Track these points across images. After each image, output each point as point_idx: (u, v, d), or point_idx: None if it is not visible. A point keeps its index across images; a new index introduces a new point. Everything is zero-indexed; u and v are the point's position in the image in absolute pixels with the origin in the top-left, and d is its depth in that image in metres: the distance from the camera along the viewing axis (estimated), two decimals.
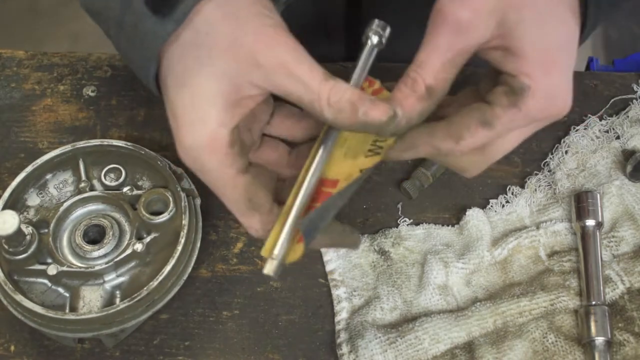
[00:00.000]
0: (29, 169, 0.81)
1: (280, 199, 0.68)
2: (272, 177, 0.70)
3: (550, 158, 0.88)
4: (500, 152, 0.69)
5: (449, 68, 0.64)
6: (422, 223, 0.85)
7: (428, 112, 0.66)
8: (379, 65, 0.93)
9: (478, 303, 0.79)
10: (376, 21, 0.68)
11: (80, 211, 0.81)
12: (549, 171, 0.87)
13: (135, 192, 0.80)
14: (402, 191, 0.86)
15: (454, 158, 0.69)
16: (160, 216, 0.78)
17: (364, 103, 0.63)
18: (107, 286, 0.78)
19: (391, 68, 0.94)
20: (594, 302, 0.78)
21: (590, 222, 0.81)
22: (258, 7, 0.64)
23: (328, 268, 0.83)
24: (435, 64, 0.64)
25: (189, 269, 0.79)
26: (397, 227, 0.85)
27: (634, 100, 0.91)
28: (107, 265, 0.77)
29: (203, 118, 0.63)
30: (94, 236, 0.79)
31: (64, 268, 0.76)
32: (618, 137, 0.89)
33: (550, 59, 0.64)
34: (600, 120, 0.90)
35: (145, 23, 0.65)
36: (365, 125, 0.63)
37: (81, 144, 0.82)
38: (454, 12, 0.63)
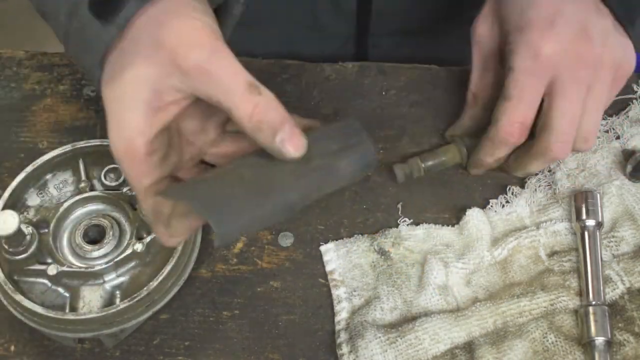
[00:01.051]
0: (29, 169, 0.81)
1: None
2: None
3: None
4: (561, 116, 0.77)
5: (485, 73, 0.84)
6: (422, 223, 0.85)
7: (478, 115, 0.85)
8: (363, 65, 0.93)
9: (478, 303, 0.79)
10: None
11: (80, 211, 0.81)
12: (549, 171, 0.87)
13: None
14: (393, 173, 0.86)
15: (533, 145, 0.80)
16: None
17: (284, 130, 0.62)
18: (107, 286, 0.78)
19: (371, 66, 0.95)
20: (594, 302, 0.78)
21: (590, 222, 0.81)
22: (188, 9, 0.63)
23: (328, 268, 0.83)
24: (474, 74, 0.84)
25: (189, 269, 0.79)
26: (397, 227, 0.85)
27: (634, 100, 0.91)
28: (107, 265, 0.77)
29: (122, 125, 0.64)
30: (94, 236, 0.79)
31: (64, 268, 0.76)
32: (618, 137, 0.89)
33: (526, 22, 0.76)
34: (600, 120, 0.90)
35: (90, 28, 0.65)
36: (280, 154, 0.63)
37: (81, 144, 0.82)
38: (475, 28, 0.83)
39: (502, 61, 0.82)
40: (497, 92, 0.80)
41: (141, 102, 0.63)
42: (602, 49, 0.76)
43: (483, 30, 0.82)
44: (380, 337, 0.77)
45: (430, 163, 0.86)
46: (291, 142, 0.63)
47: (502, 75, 0.79)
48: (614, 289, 0.79)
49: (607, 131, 0.89)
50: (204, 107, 0.67)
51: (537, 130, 0.79)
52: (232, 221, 0.63)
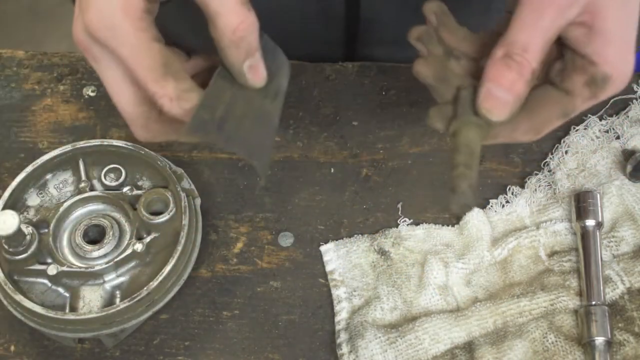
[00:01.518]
0: (29, 169, 0.81)
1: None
2: (183, 57, 0.67)
3: (550, 158, 0.88)
4: (609, 31, 0.63)
5: (547, 48, 0.61)
6: (422, 223, 0.85)
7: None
8: (363, 65, 0.93)
9: (478, 303, 0.79)
10: None
11: (80, 211, 0.81)
12: (549, 171, 0.87)
13: (135, 192, 0.80)
14: (454, 202, 0.63)
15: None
16: (160, 216, 0.78)
17: (254, 57, 0.62)
18: (107, 286, 0.78)
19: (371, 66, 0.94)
20: (594, 302, 0.78)
21: (590, 222, 0.81)
22: None
23: (328, 268, 0.83)
24: (539, 47, 0.60)
25: (189, 269, 0.79)
26: (397, 227, 0.85)
27: (634, 100, 0.91)
28: (107, 265, 0.77)
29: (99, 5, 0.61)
30: (94, 236, 0.79)
31: (64, 268, 0.76)
32: (618, 137, 0.89)
33: (629, 43, 0.62)
34: (600, 120, 0.90)
35: None
36: (243, 78, 0.63)
37: (81, 144, 0.82)
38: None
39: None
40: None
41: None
42: None
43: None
44: (380, 337, 0.77)
45: (474, 165, 0.64)
46: (257, 71, 0.63)
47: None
48: (614, 289, 0.79)
49: (607, 131, 0.89)
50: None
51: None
52: (267, 160, 0.67)
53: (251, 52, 0.63)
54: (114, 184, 0.81)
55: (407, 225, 0.85)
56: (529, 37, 0.60)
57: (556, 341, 0.77)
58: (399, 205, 0.86)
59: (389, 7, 1.02)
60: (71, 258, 0.78)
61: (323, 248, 0.84)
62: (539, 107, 0.64)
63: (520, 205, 0.85)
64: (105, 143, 0.82)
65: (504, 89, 0.60)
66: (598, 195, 0.82)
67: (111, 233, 0.79)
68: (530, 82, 0.61)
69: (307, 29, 1.07)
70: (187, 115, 0.61)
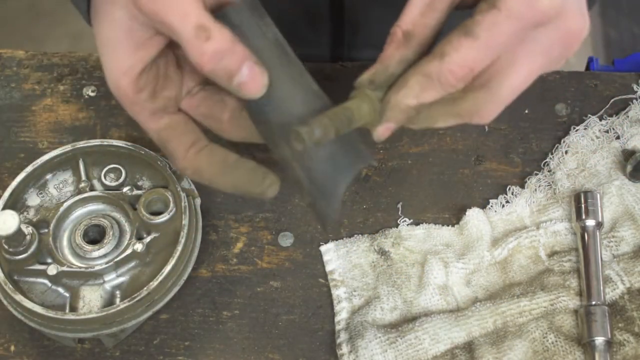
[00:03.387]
0: (29, 169, 0.81)
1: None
2: (194, 130, 0.69)
3: (550, 158, 0.88)
4: (507, 87, 0.63)
5: (428, 12, 0.62)
6: (422, 223, 0.85)
7: (410, 59, 0.63)
8: (363, 65, 0.92)
9: (478, 303, 0.79)
10: None
11: (80, 211, 0.81)
12: (549, 171, 0.87)
13: (135, 192, 0.80)
14: (292, 138, 0.63)
15: (460, 101, 0.64)
16: (160, 216, 0.78)
17: (240, 73, 0.61)
18: (107, 286, 0.78)
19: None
20: (594, 302, 0.78)
21: (590, 222, 0.81)
22: None
23: (328, 268, 0.83)
24: (412, 10, 0.62)
25: (189, 269, 0.79)
26: (397, 227, 0.85)
27: (634, 100, 0.91)
28: (107, 265, 0.77)
29: (108, 67, 0.65)
30: (94, 236, 0.79)
31: (64, 268, 0.76)
32: (618, 137, 0.89)
33: None
34: (600, 120, 0.90)
35: None
36: (241, 96, 0.63)
37: (81, 144, 0.82)
38: None
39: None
40: (436, 37, 0.64)
41: (118, 43, 0.64)
42: (584, 21, 0.63)
43: None
44: (380, 337, 0.77)
45: (341, 118, 0.64)
46: (250, 84, 0.62)
47: (446, 20, 0.64)
48: (614, 289, 0.79)
49: (607, 131, 0.89)
50: None
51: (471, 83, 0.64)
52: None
53: (233, 72, 0.61)
54: (114, 184, 0.81)
55: (407, 225, 0.85)
56: (405, 8, 0.63)
57: (556, 341, 0.77)
58: (399, 205, 0.86)
59: (373, 10, 1.02)
60: (71, 258, 0.78)
61: (323, 248, 0.84)
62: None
63: (520, 205, 0.85)
64: (105, 143, 0.82)
65: (379, 59, 0.63)
66: (598, 195, 0.82)
67: (111, 233, 0.79)
68: (406, 44, 0.63)
69: (293, 32, 1.06)
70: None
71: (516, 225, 0.85)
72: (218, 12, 0.64)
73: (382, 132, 0.65)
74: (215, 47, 0.60)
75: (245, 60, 0.61)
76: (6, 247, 0.75)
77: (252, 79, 0.62)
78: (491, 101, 0.63)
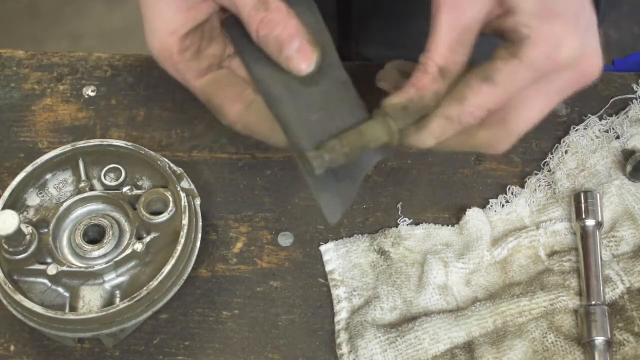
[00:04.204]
0: (29, 169, 0.81)
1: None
2: (239, 83, 0.70)
3: (550, 158, 0.88)
4: (522, 122, 0.65)
5: (457, 48, 0.63)
6: (422, 223, 0.85)
7: (442, 93, 0.64)
8: (365, 65, 0.93)
9: (478, 303, 0.79)
10: None
11: (80, 211, 0.81)
12: (549, 171, 0.87)
13: (135, 192, 0.80)
14: (303, 162, 0.66)
15: (477, 134, 0.66)
16: (160, 216, 0.78)
17: (290, 46, 0.63)
18: (107, 286, 0.78)
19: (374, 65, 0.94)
20: (594, 302, 0.78)
21: (590, 222, 0.81)
22: None
23: (328, 268, 0.83)
24: (442, 46, 0.63)
25: (189, 269, 0.79)
26: (397, 227, 0.85)
27: (634, 100, 0.91)
28: (107, 265, 0.77)
29: (154, 27, 0.67)
30: (94, 236, 0.80)
31: (64, 268, 0.76)
32: (618, 137, 0.89)
33: (550, 10, 0.62)
34: (600, 120, 0.90)
35: None
36: (288, 69, 0.64)
37: (81, 144, 0.82)
38: None
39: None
40: (463, 71, 0.66)
41: (169, 4, 0.66)
42: (600, 62, 0.66)
43: None
44: (380, 337, 0.77)
45: (353, 145, 0.65)
46: (298, 59, 0.64)
47: (471, 55, 0.66)
48: (614, 289, 0.79)
49: (607, 131, 0.89)
50: None
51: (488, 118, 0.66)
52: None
53: (284, 44, 0.63)
54: (114, 184, 0.81)
55: (407, 225, 0.85)
56: (431, 40, 0.63)
57: (556, 341, 0.77)
58: (399, 205, 0.86)
59: (380, 7, 1.02)
60: (71, 258, 0.78)
61: (323, 248, 0.84)
62: (461, 76, 0.65)
63: (520, 205, 0.85)
64: (105, 143, 0.82)
65: (410, 85, 0.64)
66: (598, 195, 0.82)
67: (111, 233, 0.79)
68: (439, 79, 0.63)
69: None
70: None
71: (516, 225, 0.85)
72: None
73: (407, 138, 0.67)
74: (273, 16, 0.63)
75: (298, 35, 0.63)
76: (6, 247, 0.75)
77: (301, 54, 0.63)
78: (506, 136, 0.66)
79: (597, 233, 0.81)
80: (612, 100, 0.91)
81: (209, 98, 0.69)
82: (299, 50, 0.63)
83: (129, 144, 0.82)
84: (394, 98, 0.64)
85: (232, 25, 0.68)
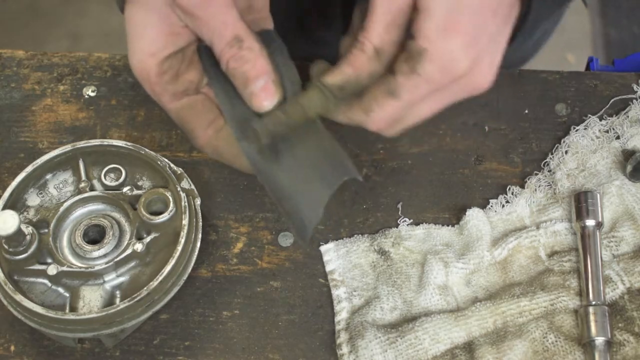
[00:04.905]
0: (29, 169, 0.81)
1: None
2: (212, 109, 0.72)
3: (550, 158, 0.88)
4: (415, 118, 0.70)
5: (392, 29, 0.66)
6: (422, 223, 0.85)
7: (377, 73, 0.67)
8: None
9: (478, 303, 0.79)
10: None
11: (80, 211, 0.81)
12: (549, 171, 0.87)
13: (135, 192, 0.80)
14: (249, 134, 0.70)
15: (374, 116, 0.70)
16: (160, 216, 0.78)
17: (255, 84, 0.66)
18: (107, 286, 0.78)
19: None
20: (594, 302, 0.78)
21: (590, 222, 0.81)
22: None
23: (328, 268, 0.83)
24: (377, 26, 0.66)
25: (189, 269, 0.79)
26: (397, 227, 0.85)
27: (634, 100, 0.91)
28: (107, 265, 0.77)
29: (136, 47, 0.69)
30: (94, 236, 0.79)
31: (64, 268, 0.76)
32: (618, 137, 0.89)
33: (452, 22, 0.64)
34: (600, 120, 0.90)
35: None
36: (250, 104, 0.67)
37: (81, 144, 0.82)
38: None
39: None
40: (396, 52, 0.68)
41: (151, 26, 0.68)
42: (490, 76, 0.69)
43: None
44: (380, 337, 0.77)
45: (293, 115, 0.69)
46: (260, 96, 0.67)
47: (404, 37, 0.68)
48: (614, 289, 0.79)
49: (607, 131, 0.89)
50: None
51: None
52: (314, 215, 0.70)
53: (249, 80, 0.66)
54: (114, 184, 0.81)
55: (407, 225, 0.85)
56: (368, 20, 0.66)
57: (556, 341, 0.77)
58: (399, 205, 0.86)
59: None
60: (71, 258, 0.78)
61: (323, 248, 0.84)
62: (368, 88, 0.68)
63: (520, 205, 0.85)
64: (105, 143, 0.82)
65: (346, 62, 0.66)
66: (598, 195, 0.82)
67: (111, 233, 0.79)
68: (375, 58, 0.66)
69: (305, 29, 1.07)
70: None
71: (516, 225, 0.85)
72: (256, 31, 0.69)
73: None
74: (242, 53, 0.66)
75: (264, 74, 0.66)
76: (6, 247, 0.75)
77: (264, 92, 0.66)
78: (398, 125, 0.71)
79: (597, 233, 0.81)
80: (612, 100, 0.91)
81: (182, 121, 0.72)
82: (263, 89, 0.67)
83: (129, 144, 0.82)
84: (331, 76, 0.67)
85: (205, 52, 0.70)
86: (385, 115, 0.68)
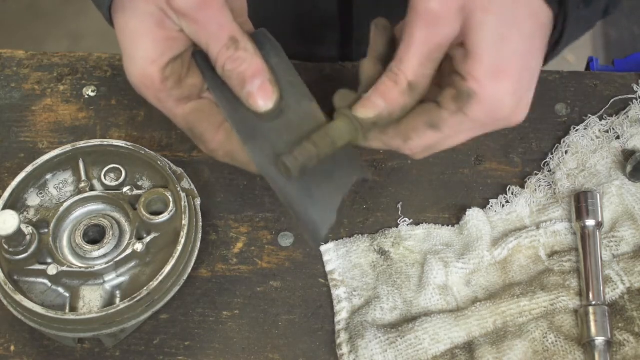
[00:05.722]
0: (29, 169, 0.81)
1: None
2: (219, 112, 0.71)
3: (550, 158, 0.88)
4: (447, 146, 0.70)
5: (427, 63, 0.65)
6: (422, 223, 0.85)
7: (410, 107, 0.67)
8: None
9: (478, 303, 0.79)
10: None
11: (80, 211, 0.81)
12: (549, 171, 0.87)
13: (135, 192, 0.80)
14: (279, 166, 0.68)
15: (407, 142, 0.69)
16: (160, 216, 0.78)
17: (252, 83, 0.66)
18: (107, 286, 0.78)
19: None
20: (594, 302, 0.78)
21: (590, 222, 0.81)
22: None
23: (328, 268, 0.83)
24: (413, 60, 0.65)
25: (189, 269, 0.79)
26: (397, 227, 0.85)
27: (634, 100, 0.91)
28: (107, 265, 0.77)
29: (134, 56, 0.67)
30: (94, 236, 0.80)
31: (64, 268, 0.76)
32: (618, 137, 0.89)
33: (502, 67, 0.65)
34: (600, 120, 0.90)
35: None
36: (248, 105, 0.67)
37: (81, 144, 0.82)
38: (425, 5, 0.64)
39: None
40: (429, 87, 0.68)
41: (148, 33, 0.66)
42: (525, 114, 0.70)
43: (443, 9, 0.64)
44: (380, 337, 0.77)
45: (323, 148, 0.68)
46: (258, 96, 0.66)
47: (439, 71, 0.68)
48: (614, 289, 0.79)
49: (607, 131, 0.89)
50: None
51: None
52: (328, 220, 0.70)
53: (246, 80, 0.66)
54: (114, 184, 0.81)
55: (407, 225, 0.85)
56: (404, 51, 0.65)
57: (556, 341, 0.77)
58: (399, 205, 0.86)
59: (381, 9, 1.02)
60: (71, 258, 0.78)
61: (323, 248, 0.84)
62: (408, 115, 0.68)
63: (520, 205, 0.85)
64: (105, 143, 0.82)
65: (378, 94, 0.66)
66: (598, 195, 0.82)
67: (111, 233, 0.79)
68: (408, 92, 0.66)
69: (302, 29, 1.07)
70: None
71: (516, 225, 0.85)
72: (250, 32, 0.69)
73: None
74: (238, 54, 0.65)
75: (261, 73, 0.66)
76: (6, 247, 0.75)
77: (261, 92, 0.66)
78: (429, 151, 0.71)
79: (597, 233, 0.81)
80: (612, 100, 0.91)
81: (190, 126, 0.70)
82: (260, 88, 0.66)
83: (129, 144, 0.82)
84: (363, 110, 0.66)
85: (200, 58, 0.70)
86: (423, 144, 0.68)
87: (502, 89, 0.65)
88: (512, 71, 0.65)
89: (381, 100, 0.66)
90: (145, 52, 0.66)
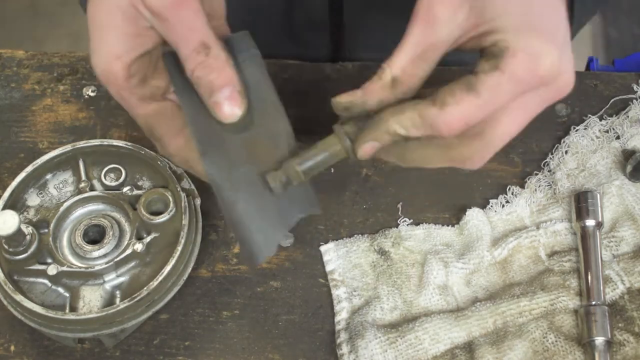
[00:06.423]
0: (29, 169, 0.81)
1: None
2: (181, 117, 0.70)
3: (550, 158, 0.88)
4: (500, 135, 0.65)
5: (419, 62, 0.63)
6: (422, 223, 0.85)
7: (388, 102, 0.65)
8: (363, 65, 0.92)
9: (478, 303, 0.79)
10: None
11: (80, 211, 0.81)
12: (549, 171, 0.87)
13: (135, 192, 0.80)
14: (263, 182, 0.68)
15: (454, 147, 0.65)
16: (160, 216, 0.78)
17: (220, 93, 0.64)
18: (107, 286, 0.78)
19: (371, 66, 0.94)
20: (594, 302, 0.78)
21: (590, 222, 0.81)
22: None
23: (328, 268, 0.83)
24: (403, 57, 0.63)
25: (189, 269, 0.79)
26: (397, 227, 0.85)
27: (634, 100, 0.91)
28: (107, 265, 0.77)
29: (100, 49, 0.65)
30: (94, 236, 0.80)
31: (64, 268, 0.76)
32: (618, 137, 0.89)
33: (529, 24, 0.62)
34: (600, 120, 0.90)
35: None
36: (214, 114, 0.65)
37: (81, 144, 0.82)
38: (428, 6, 0.62)
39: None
40: (421, 86, 0.66)
41: (115, 28, 0.65)
42: (573, 78, 0.66)
43: (444, 12, 0.63)
44: (380, 337, 0.77)
45: (309, 164, 0.67)
46: (225, 106, 0.64)
47: (435, 73, 0.66)
48: (614, 289, 0.79)
49: (607, 131, 0.89)
50: None
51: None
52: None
53: (214, 89, 0.64)
54: (114, 184, 0.81)
55: (407, 225, 0.85)
56: (397, 48, 0.63)
57: (556, 341, 0.77)
58: (399, 205, 0.86)
59: (372, 13, 1.02)
60: (71, 258, 0.78)
61: (323, 248, 0.84)
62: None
63: (520, 205, 0.85)
64: (105, 143, 0.82)
65: (362, 87, 0.64)
66: (598, 195, 0.82)
67: (111, 233, 0.79)
68: (389, 87, 0.64)
69: (293, 34, 1.06)
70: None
71: (516, 225, 0.85)
72: (223, 37, 0.67)
73: (365, 150, 0.66)
74: (210, 61, 0.63)
75: (230, 83, 0.64)
76: (6, 247, 0.75)
77: (229, 102, 0.64)
78: (484, 149, 0.65)
79: (597, 233, 0.81)
80: (612, 100, 0.91)
81: (150, 127, 0.69)
82: (228, 98, 0.64)
83: (129, 144, 0.82)
84: (340, 96, 0.65)
85: (170, 59, 0.68)
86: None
87: (535, 42, 0.61)
88: (543, 27, 0.62)
89: (360, 90, 0.64)
90: (111, 47, 0.65)
